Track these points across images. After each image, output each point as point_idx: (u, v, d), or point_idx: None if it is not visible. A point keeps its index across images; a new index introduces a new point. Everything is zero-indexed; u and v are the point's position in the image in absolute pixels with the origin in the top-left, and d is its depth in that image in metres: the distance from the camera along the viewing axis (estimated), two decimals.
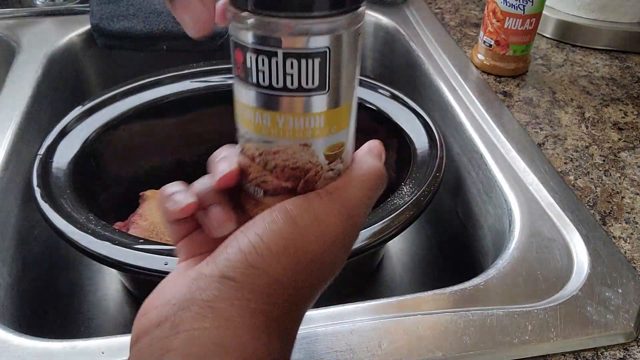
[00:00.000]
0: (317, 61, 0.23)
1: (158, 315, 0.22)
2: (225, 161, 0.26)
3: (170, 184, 0.26)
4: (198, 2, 0.23)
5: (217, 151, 0.27)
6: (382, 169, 0.26)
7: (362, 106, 0.63)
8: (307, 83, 0.23)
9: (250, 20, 0.22)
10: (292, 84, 0.23)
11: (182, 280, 0.23)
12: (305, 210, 0.23)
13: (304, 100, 0.23)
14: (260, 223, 0.23)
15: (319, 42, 0.22)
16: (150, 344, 0.21)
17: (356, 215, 0.24)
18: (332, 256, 0.24)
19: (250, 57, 0.23)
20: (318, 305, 0.39)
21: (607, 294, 0.40)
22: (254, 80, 0.23)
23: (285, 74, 0.23)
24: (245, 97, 0.24)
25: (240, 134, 0.25)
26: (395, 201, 0.47)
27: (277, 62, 0.22)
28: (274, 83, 0.23)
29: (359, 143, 0.28)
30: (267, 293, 0.22)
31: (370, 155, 0.27)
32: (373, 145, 0.27)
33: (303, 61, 0.22)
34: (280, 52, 0.22)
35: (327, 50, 0.23)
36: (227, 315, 0.21)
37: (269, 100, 0.23)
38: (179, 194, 0.25)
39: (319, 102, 0.24)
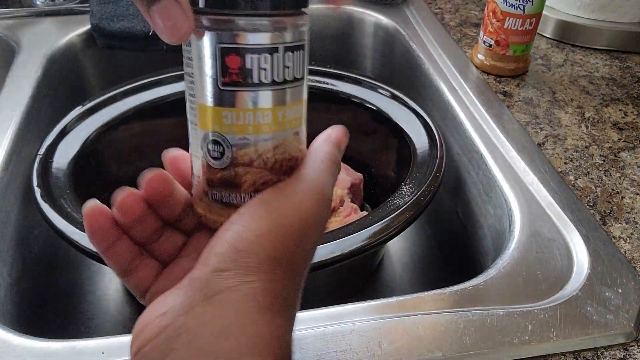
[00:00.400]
0: (304, 52, 0.25)
1: (157, 325, 0.21)
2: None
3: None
4: (179, 10, 0.22)
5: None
6: (335, 155, 0.27)
7: (362, 106, 0.63)
8: (298, 73, 0.24)
9: (247, 22, 0.23)
10: (289, 75, 0.24)
11: (174, 292, 0.23)
12: (275, 193, 0.24)
13: (296, 91, 0.25)
14: (239, 215, 0.24)
15: (307, 34, 0.25)
16: (151, 349, 0.21)
17: (325, 193, 0.25)
18: (313, 229, 0.24)
19: (251, 58, 0.23)
20: (318, 305, 0.39)
21: (607, 294, 0.40)
22: (256, 79, 0.23)
23: (284, 67, 0.24)
24: (242, 103, 0.24)
25: (229, 147, 0.25)
26: (395, 201, 0.47)
27: (277, 57, 0.23)
28: (275, 78, 0.24)
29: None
30: (263, 271, 0.22)
31: (326, 143, 0.27)
32: (333, 133, 0.28)
33: (296, 53, 0.24)
34: (281, 47, 0.23)
35: (306, 41, 0.25)
36: (226, 302, 0.21)
37: (273, 96, 0.24)
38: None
39: (302, 90, 0.25)
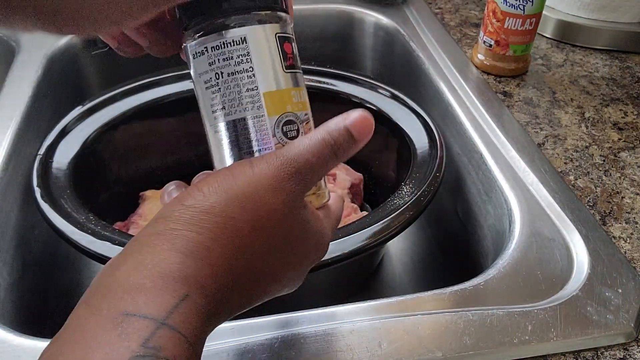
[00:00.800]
0: None
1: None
2: None
3: (171, 182, 0.28)
4: (166, 41, 0.26)
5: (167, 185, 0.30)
6: (335, 136, 0.26)
7: (362, 106, 0.63)
8: None
9: (286, 15, 0.27)
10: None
11: None
12: (245, 161, 0.26)
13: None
14: (203, 176, 0.27)
15: None
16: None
17: (293, 164, 0.25)
18: (268, 196, 0.25)
19: (292, 44, 0.27)
20: (318, 305, 0.39)
21: (607, 294, 0.40)
22: (298, 62, 0.28)
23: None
24: (299, 82, 0.28)
25: (301, 123, 0.27)
26: (395, 201, 0.47)
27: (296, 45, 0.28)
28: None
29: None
30: (191, 222, 0.24)
31: (332, 123, 0.27)
32: (350, 117, 0.27)
33: None
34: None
35: None
36: (150, 243, 0.24)
37: (301, 77, 0.28)
38: (175, 192, 0.27)
39: None
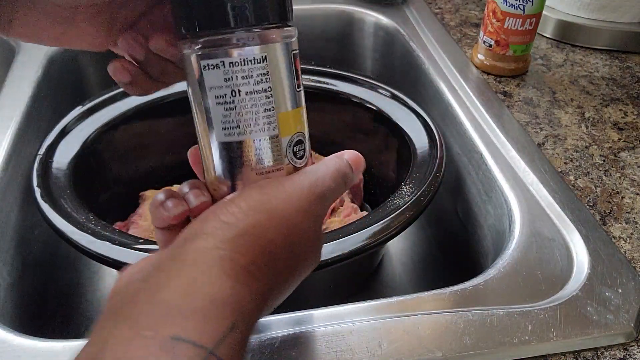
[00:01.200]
0: None
1: (130, 278, 0.24)
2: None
3: (163, 190, 0.28)
4: (148, 82, 0.27)
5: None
6: (344, 168, 0.28)
7: (362, 106, 0.63)
8: None
9: (295, 31, 0.27)
10: None
11: (157, 252, 0.25)
12: (274, 182, 0.26)
13: None
14: (236, 192, 0.26)
15: None
16: (121, 298, 0.23)
17: (322, 194, 0.26)
18: (300, 218, 0.25)
19: (299, 60, 0.27)
20: (318, 305, 0.39)
21: (607, 294, 0.40)
22: (301, 81, 0.28)
23: None
24: (303, 101, 0.27)
25: (307, 142, 0.28)
26: (395, 201, 0.47)
27: None
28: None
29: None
30: (236, 243, 0.23)
31: (337, 157, 0.29)
32: (346, 153, 0.29)
33: None
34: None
35: None
36: (193, 262, 0.23)
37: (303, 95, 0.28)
38: (170, 201, 0.26)
39: None
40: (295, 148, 0.27)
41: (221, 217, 0.24)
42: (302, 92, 0.27)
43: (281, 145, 0.26)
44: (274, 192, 0.25)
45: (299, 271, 0.27)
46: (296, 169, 0.27)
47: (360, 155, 0.30)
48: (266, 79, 0.25)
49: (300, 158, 0.27)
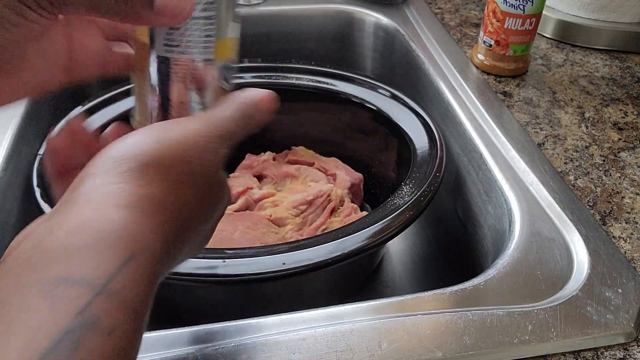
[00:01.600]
0: None
1: (31, 227, 0.23)
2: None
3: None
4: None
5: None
6: (248, 108, 0.28)
7: (362, 106, 0.63)
8: None
9: None
10: None
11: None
12: (171, 122, 0.26)
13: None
14: (129, 134, 0.25)
15: None
16: (13, 256, 0.20)
17: (220, 129, 0.26)
18: (199, 151, 0.25)
19: None
20: (318, 305, 0.39)
21: (607, 294, 0.40)
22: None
23: None
24: (238, 32, 0.30)
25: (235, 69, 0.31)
26: (395, 201, 0.47)
27: None
28: None
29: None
30: (129, 176, 0.22)
31: (244, 97, 0.29)
32: (253, 94, 0.29)
33: None
34: None
35: None
36: (85, 201, 0.21)
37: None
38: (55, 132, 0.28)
39: None
40: (226, 73, 0.29)
41: (108, 154, 0.23)
42: (238, 25, 0.29)
43: (211, 70, 0.29)
44: (170, 127, 0.25)
45: (206, 207, 0.26)
46: (223, 92, 0.29)
47: (272, 94, 0.29)
48: (210, 7, 0.27)
49: (229, 82, 0.30)
